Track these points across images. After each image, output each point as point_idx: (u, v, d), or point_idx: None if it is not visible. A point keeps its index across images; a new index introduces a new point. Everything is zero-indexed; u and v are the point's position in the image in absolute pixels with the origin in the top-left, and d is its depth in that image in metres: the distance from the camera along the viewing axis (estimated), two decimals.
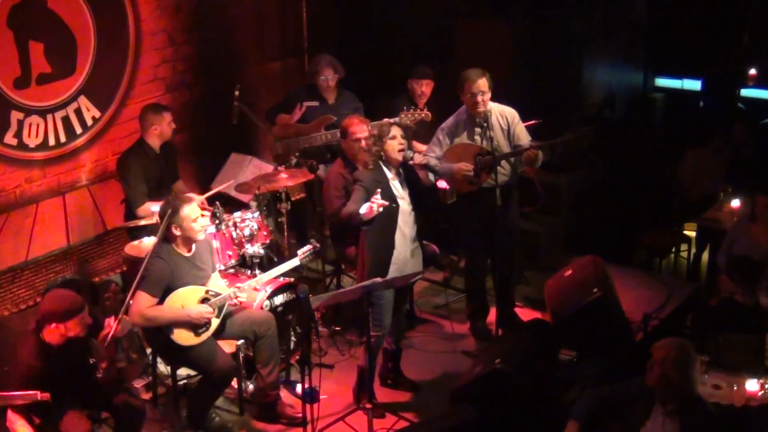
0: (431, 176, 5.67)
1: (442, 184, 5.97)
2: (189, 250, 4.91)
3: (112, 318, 4.56)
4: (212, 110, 6.84)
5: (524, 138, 5.54)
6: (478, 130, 5.56)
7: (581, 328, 5.13)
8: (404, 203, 5.05)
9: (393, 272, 4.99)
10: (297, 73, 7.48)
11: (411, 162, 5.15)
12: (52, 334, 4.36)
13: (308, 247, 5.18)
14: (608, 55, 7.73)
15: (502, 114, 5.56)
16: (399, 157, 5.03)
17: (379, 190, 4.89)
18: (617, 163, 7.23)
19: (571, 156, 6.86)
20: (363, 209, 4.89)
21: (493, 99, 5.61)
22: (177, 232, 4.80)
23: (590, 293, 5.06)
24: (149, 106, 5.97)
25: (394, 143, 5.01)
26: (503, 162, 5.55)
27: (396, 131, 5.03)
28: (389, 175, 5.05)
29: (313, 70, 6.56)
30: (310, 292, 4.57)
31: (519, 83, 6.90)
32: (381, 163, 5.03)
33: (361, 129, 5.71)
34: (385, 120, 5.59)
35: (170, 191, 5.76)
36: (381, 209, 4.84)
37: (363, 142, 5.69)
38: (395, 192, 5.03)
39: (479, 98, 5.47)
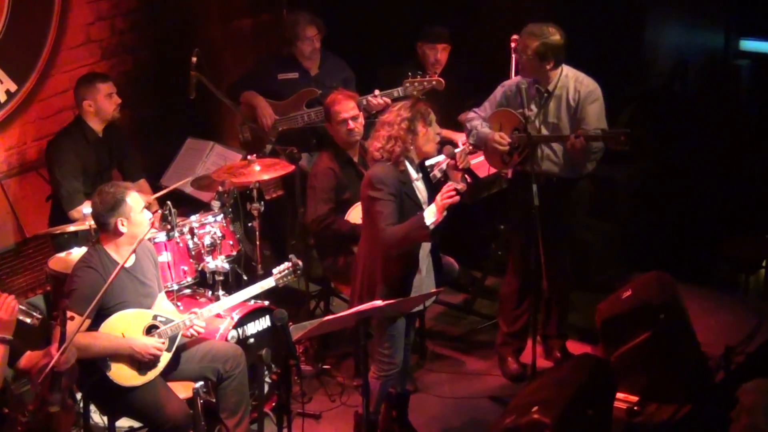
0: (437, 172, 5.68)
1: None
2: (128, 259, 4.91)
3: (55, 346, 4.56)
4: (162, 82, 6.85)
5: (593, 122, 5.51)
6: (538, 98, 5.60)
7: (644, 365, 5.14)
8: (427, 209, 5.03)
9: (413, 295, 5.01)
10: (272, 33, 7.49)
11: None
12: None
13: (287, 264, 5.18)
14: (678, 11, 7.73)
15: (577, 87, 5.57)
16: (433, 149, 5.01)
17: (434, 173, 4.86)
18: (690, 151, 7.23)
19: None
20: (431, 215, 4.74)
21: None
22: (123, 228, 4.81)
23: (655, 320, 5.08)
24: (82, 76, 5.99)
25: (433, 129, 4.99)
26: (554, 146, 5.56)
27: (432, 114, 5.01)
28: (413, 174, 5.03)
29: (291, 35, 6.59)
30: (290, 319, 4.55)
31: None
32: (406, 160, 5.01)
33: (346, 107, 5.73)
34: (385, 98, 5.64)
35: None
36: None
37: (351, 124, 5.69)
38: (419, 196, 5.03)
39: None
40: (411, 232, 4.82)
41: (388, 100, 6.15)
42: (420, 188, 5.03)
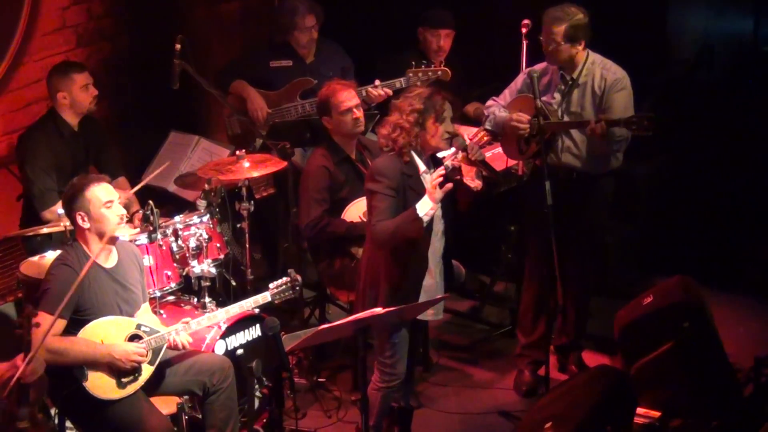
0: (448, 163, 5.67)
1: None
2: (109, 259, 4.89)
3: (21, 356, 4.54)
4: (143, 71, 6.84)
5: (617, 112, 5.50)
6: (562, 86, 5.61)
7: (666, 377, 5.14)
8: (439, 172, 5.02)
9: (422, 300, 5.00)
10: (263, 16, 7.47)
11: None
12: None
13: (285, 279, 5.15)
14: None
15: (603, 74, 5.58)
16: (444, 145, 5.00)
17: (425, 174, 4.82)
18: (716, 144, 7.21)
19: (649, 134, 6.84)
20: (424, 206, 4.77)
21: (536, 56, 5.61)
22: (84, 224, 4.79)
23: (679, 328, 5.07)
24: (56, 65, 5.98)
25: (444, 126, 4.96)
26: (576, 136, 5.55)
27: (449, 110, 4.99)
28: (421, 166, 5.02)
29: (287, 24, 6.57)
30: (282, 328, 4.54)
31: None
32: (413, 152, 5.01)
33: (349, 95, 5.72)
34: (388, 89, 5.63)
35: None
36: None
37: (357, 112, 5.69)
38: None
39: (544, 43, 5.49)
40: (402, 226, 4.83)
41: (390, 91, 6.13)
42: (428, 182, 5.01)
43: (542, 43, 5.58)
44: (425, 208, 4.79)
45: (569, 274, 5.60)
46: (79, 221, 4.79)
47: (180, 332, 4.91)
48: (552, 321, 5.83)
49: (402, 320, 5.00)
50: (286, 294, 5.13)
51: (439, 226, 5.06)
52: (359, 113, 5.79)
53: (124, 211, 4.91)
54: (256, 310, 5.48)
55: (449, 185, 4.76)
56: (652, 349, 5.23)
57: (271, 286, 5.12)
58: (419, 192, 4.91)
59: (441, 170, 4.79)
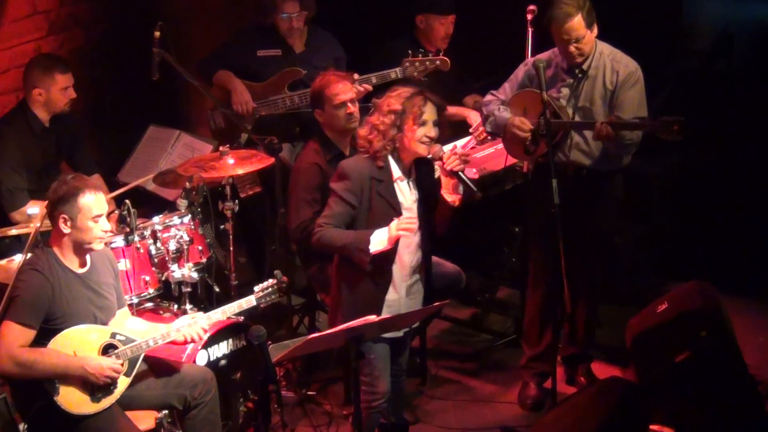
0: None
1: (471, 172, 5.97)
2: (82, 264, 4.87)
3: None
4: (119, 60, 6.84)
5: (629, 109, 5.49)
6: (569, 80, 5.59)
7: (682, 389, 5.14)
8: (411, 216, 5.00)
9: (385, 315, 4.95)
10: (249, 1, 7.46)
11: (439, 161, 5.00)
12: None
13: (271, 281, 5.13)
14: None
15: (615, 67, 5.56)
16: (423, 150, 4.97)
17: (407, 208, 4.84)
18: (735, 140, 7.20)
19: None
20: (377, 240, 4.77)
21: (542, 45, 5.60)
22: (65, 229, 4.77)
23: (695, 338, 5.07)
24: (39, 57, 5.97)
25: (423, 130, 4.95)
26: (586, 132, 5.53)
27: (431, 113, 4.96)
28: (396, 172, 5.00)
29: (266, 7, 6.58)
30: (269, 338, 4.53)
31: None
32: (390, 157, 4.98)
33: (344, 88, 5.71)
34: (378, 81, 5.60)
35: None
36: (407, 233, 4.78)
37: (351, 107, 5.67)
38: (400, 198, 5.00)
39: (572, 47, 5.47)
40: (349, 247, 4.85)
41: (369, 87, 6.13)
42: (404, 190, 4.98)
43: (560, 46, 5.52)
44: (378, 244, 4.79)
45: (577, 279, 5.59)
46: (61, 224, 4.76)
47: (158, 341, 4.89)
48: (559, 330, 5.82)
49: (396, 329, 4.99)
50: (273, 297, 5.12)
51: (411, 239, 5.00)
52: (354, 108, 5.77)
53: (110, 227, 4.91)
54: (241, 317, 5.46)
55: (412, 230, 4.78)
56: (667, 361, 5.22)
57: (256, 289, 5.11)
58: (389, 200, 4.91)
59: (411, 223, 4.78)
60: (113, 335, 4.86)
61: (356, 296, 4.97)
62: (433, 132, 4.92)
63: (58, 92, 5.86)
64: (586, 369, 6.01)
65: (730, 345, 5.18)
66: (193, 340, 4.98)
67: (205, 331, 5.06)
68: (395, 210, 4.92)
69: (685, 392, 5.21)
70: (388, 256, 4.91)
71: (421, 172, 5.06)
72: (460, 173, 4.91)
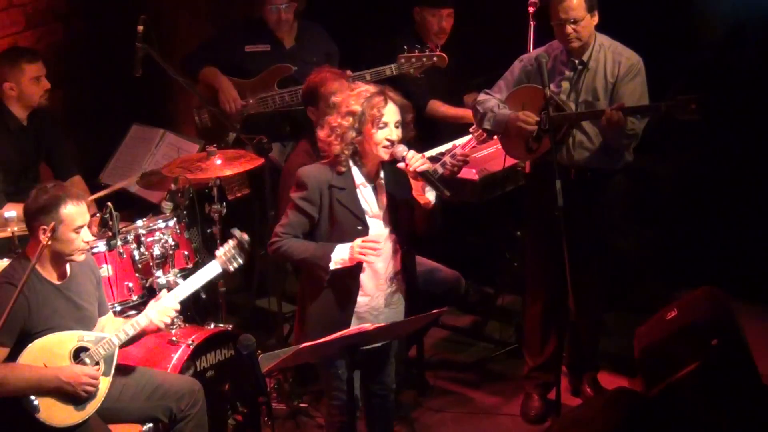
0: (439, 167, 5.62)
1: (471, 172, 5.97)
2: (61, 276, 4.85)
3: None
4: (100, 56, 6.83)
5: (630, 101, 5.50)
6: (568, 73, 5.60)
7: (692, 402, 5.12)
8: (379, 224, 4.97)
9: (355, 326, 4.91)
10: None
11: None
12: None
13: (231, 243, 4.98)
14: None
15: (616, 59, 5.59)
16: (383, 154, 4.92)
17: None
18: (749, 137, 7.20)
19: (673, 126, 6.82)
20: (338, 257, 4.75)
21: (545, 40, 5.61)
22: (44, 239, 4.75)
23: (706, 346, 5.06)
24: (5, 51, 6.00)
25: (384, 133, 4.89)
26: (589, 129, 5.54)
27: (392, 114, 4.91)
28: (358, 178, 4.94)
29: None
30: (259, 347, 4.51)
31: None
32: (350, 162, 4.91)
33: (340, 85, 5.67)
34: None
35: None
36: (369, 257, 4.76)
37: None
38: (365, 206, 4.94)
39: (569, 28, 5.48)
40: (310, 261, 4.84)
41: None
42: (368, 197, 4.91)
43: (556, 26, 5.53)
44: (339, 262, 4.77)
45: (580, 284, 5.58)
46: (40, 234, 4.73)
47: (120, 337, 4.83)
48: (563, 338, 5.81)
49: (392, 338, 5.01)
50: (238, 259, 4.98)
51: (386, 247, 4.93)
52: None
53: (92, 238, 4.90)
54: (229, 327, 5.45)
55: (372, 257, 4.75)
56: (677, 370, 5.21)
57: (218, 253, 4.96)
58: (351, 209, 4.84)
59: (372, 249, 4.74)
60: (81, 338, 4.82)
61: (319, 309, 4.93)
62: (394, 135, 4.81)
63: (29, 83, 5.86)
64: (592, 379, 6.02)
65: (742, 354, 5.17)
66: (166, 325, 4.94)
67: (177, 312, 4.99)
68: (359, 219, 4.85)
69: (695, 403, 5.21)
70: (352, 270, 4.86)
71: (389, 175, 4.97)
72: (425, 173, 4.81)
